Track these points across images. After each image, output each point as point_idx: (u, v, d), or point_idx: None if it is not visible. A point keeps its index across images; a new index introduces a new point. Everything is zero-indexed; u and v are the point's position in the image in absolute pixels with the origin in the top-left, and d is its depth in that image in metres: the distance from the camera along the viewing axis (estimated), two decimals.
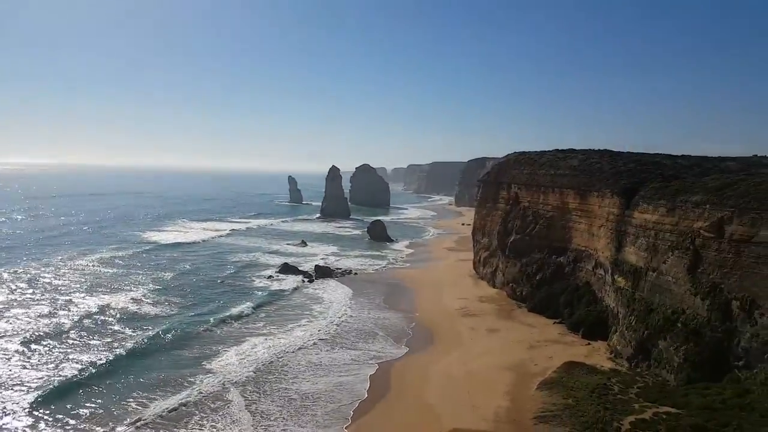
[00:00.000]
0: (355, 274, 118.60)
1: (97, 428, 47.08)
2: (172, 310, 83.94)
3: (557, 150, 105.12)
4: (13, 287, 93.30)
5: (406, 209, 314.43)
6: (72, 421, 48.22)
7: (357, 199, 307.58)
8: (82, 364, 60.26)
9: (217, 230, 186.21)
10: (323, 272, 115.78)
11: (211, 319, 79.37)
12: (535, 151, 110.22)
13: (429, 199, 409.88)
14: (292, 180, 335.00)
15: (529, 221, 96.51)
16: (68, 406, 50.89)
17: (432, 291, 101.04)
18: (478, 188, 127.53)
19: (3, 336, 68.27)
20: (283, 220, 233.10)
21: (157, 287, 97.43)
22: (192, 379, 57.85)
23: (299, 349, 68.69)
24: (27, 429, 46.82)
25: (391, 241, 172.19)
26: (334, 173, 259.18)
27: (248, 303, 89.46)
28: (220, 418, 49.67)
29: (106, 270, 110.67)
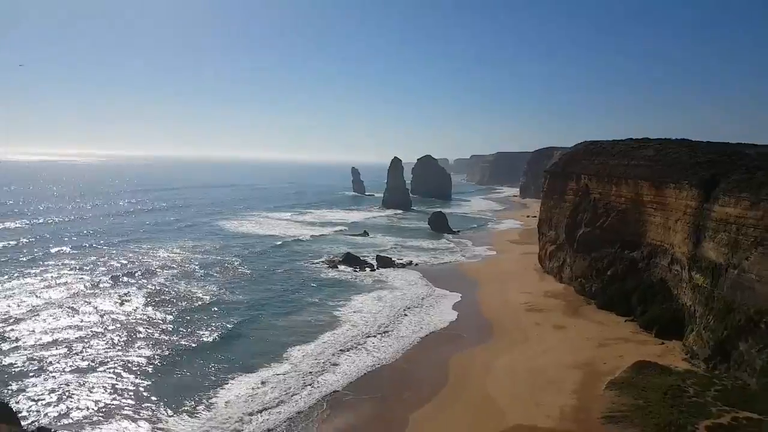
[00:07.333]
0: (416, 264, 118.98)
1: None
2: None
3: (631, 139, 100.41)
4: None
5: (469, 201, 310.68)
6: None
7: (418, 190, 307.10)
8: None
9: (288, 220, 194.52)
10: (384, 262, 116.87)
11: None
12: (607, 141, 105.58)
13: (493, 191, 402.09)
14: (355, 171, 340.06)
15: (600, 214, 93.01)
16: None
17: (495, 284, 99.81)
18: (545, 179, 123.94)
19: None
20: (347, 210, 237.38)
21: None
22: None
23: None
24: None
25: (452, 232, 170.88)
26: (395, 164, 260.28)
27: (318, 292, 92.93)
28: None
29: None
